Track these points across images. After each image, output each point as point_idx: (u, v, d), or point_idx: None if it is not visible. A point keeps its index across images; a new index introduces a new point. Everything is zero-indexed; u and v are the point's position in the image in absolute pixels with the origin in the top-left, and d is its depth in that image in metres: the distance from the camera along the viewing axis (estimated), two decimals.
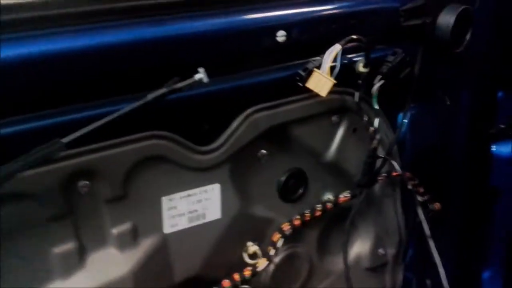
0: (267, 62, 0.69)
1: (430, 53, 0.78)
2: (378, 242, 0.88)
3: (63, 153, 0.54)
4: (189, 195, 0.67)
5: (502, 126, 0.95)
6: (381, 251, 0.89)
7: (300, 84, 0.68)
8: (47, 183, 0.56)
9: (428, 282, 1.02)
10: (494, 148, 0.97)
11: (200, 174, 0.67)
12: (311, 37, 0.69)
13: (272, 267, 0.79)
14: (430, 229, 0.81)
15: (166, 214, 0.66)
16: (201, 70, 0.58)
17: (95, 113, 0.57)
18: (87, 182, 0.59)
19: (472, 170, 0.98)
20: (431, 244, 0.79)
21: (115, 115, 0.55)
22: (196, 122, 0.67)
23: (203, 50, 0.63)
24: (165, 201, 0.66)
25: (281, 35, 0.67)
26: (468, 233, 1.04)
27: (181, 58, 0.61)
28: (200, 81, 0.58)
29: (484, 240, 1.04)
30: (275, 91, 0.69)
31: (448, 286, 0.79)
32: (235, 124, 0.67)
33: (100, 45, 0.56)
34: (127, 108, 0.56)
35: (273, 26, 0.67)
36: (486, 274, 1.06)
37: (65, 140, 0.53)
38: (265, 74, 0.69)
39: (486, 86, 0.93)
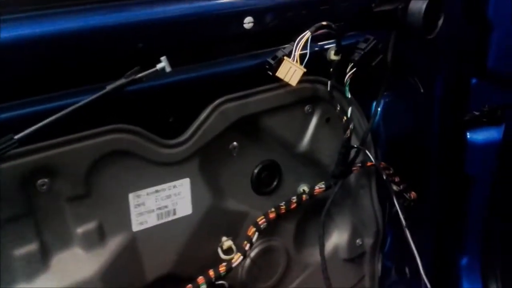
0: (235, 50, 0.67)
1: (402, 40, 0.77)
2: (355, 233, 0.88)
3: (17, 150, 0.51)
4: (157, 191, 0.65)
5: (476, 113, 0.95)
6: (358, 241, 0.89)
7: (270, 73, 0.66)
8: (2, 182, 0.53)
9: (407, 270, 1.02)
10: (468, 135, 0.97)
11: (168, 169, 0.65)
12: (280, 23, 0.68)
13: (248, 261, 0.78)
14: (407, 217, 0.81)
15: (133, 211, 0.64)
16: (163, 59, 0.55)
17: (51, 106, 0.54)
18: (46, 180, 0.57)
19: (446, 158, 0.98)
20: (407, 233, 0.79)
21: (72, 108, 0.52)
22: (161, 114, 0.64)
23: (166, 38, 0.61)
24: (132, 197, 0.63)
25: (248, 22, 0.65)
26: (445, 221, 1.04)
27: (142, 47, 0.59)
28: (162, 70, 0.56)
29: (460, 228, 1.05)
30: (244, 81, 0.67)
31: (424, 275, 0.79)
32: (203, 115, 0.65)
33: (54, 32, 0.53)
34: (85, 100, 0.53)
35: (239, 12, 0.64)
36: (464, 261, 1.07)
37: (17, 136, 0.50)
38: (233, 62, 0.67)
39: (460, 72, 0.92)
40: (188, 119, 0.65)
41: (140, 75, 0.54)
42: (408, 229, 0.79)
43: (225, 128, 0.67)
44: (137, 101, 0.60)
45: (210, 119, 0.65)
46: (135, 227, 0.65)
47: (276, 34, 0.68)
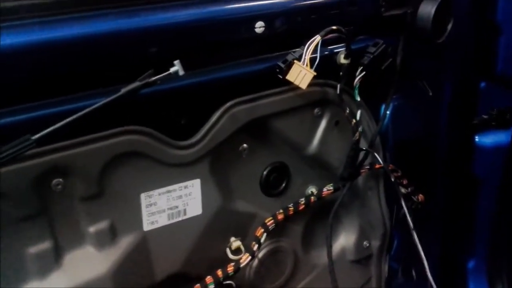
0: (246, 54, 0.68)
1: (411, 44, 0.78)
2: (362, 235, 0.88)
3: (34, 151, 0.52)
4: (168, 191, 0.66)
5: (485, 116, 0.95)
6: (365, 243, 0.89)
7: (280, 77, 0.67)
8: (19, 182, 0.55)
9: (413, 272, 1.02)
10: (476, 138, 0.97)
11: (179, 170, 0.66)
12: (290, 28, 0.68)
13: (256, 262, 0.79)
14: (414, 220, 0.81)
15: (145, 211, 0.65)
16: (176, 62, 0.56)
17: (67, 108, 0.55)
18: (61, 180, 0.58)
19: (455, 161, 0.98)
20: (415, 235, 0.79)
21: (87, 110, 0.53)
22: (174, 116, 0.65)
23: (179, 42, 0.62)
24: (144, 197, 0.64)
25: (259, 26, 0.65)
26: (452, 224, 1.04)
27: (155, 50, 0.60)
28: (175, 74, 0.56)
29: (467, 230, 1.05)
30: (255, 84, 0.68)
31: (431, 277, 0.79)
32: (214, 118, 0.66)
33: (69, 37, 0.54)
34: (100, 102, 0.54)
35: (251, 16, 0.65)
36: (470, 264, 1.07)
37: (35, 137, 0.51)
38: (244, 66, 0.67)
39: (468, 76, 0.92)
40: (199, 121, 0.66)
41: (154, 78, 0.55)
42: (416, 232, 0.80)
43: (236, 130, 0.68)
44: (150, 104, 0.61)
45: (221, 121, 0.66)
46: (146, 226, 0.66)
47: (286, 38, 0.68)
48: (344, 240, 0.88)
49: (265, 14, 0.66)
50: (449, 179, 0.99)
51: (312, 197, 0.78)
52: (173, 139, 0.64)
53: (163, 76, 0.56)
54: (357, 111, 0.74)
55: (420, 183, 0.89)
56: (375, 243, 0.90)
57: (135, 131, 0.60)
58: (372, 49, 0.73)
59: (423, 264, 0.79)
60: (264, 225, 0.74)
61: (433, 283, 0.80)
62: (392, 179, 0.80)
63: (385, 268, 0.95)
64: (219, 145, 0.67)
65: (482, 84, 0.94)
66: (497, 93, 0.94)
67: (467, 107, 0.95)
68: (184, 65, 0.58)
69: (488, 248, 1.05)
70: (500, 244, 1.04)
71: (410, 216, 0.80)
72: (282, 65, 0.66)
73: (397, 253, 0.99)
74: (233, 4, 0.64)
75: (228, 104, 0.66)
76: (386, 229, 0.89)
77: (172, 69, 0.56)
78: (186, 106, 0.65)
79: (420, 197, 0.89)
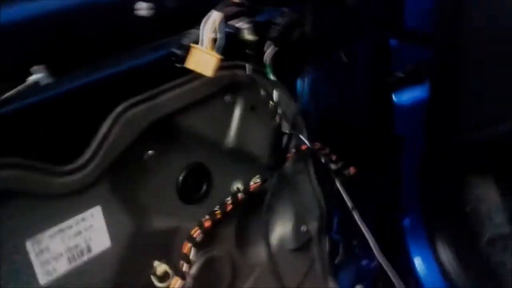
0: (131, 44, 0.57)
1: (320, 10, 0.72)
2: (299, 221, 0.83)
3: None
4: (61, 230, 0.54)
5: (400, 74, 0.94)
6: (303, 228, 0.85)
7: (178, 65, 0.57)
8: None
9: (355, 242, 1.01)
10: (394, 97, 0.96)
11: (70, 200, 0.54)
12: (180, 5, 0.59)
13: (189, 281, 0.70)
14: (350, 194, 0.78)
15: (36, 260, 0.52)
16: (36, 69, 0.43)
17: None
18: None
19: (377, 123, 0.97)
20: (354, 212, 0.76)
21: None
22: (53, 134, 0.52)
23: (40, 41, 0.49)
24: (31, 245, 0.51)
25: (141, 8, 0.54)
26: (384, 185, 1.03)
27: (9, 56, 0.46)
28: (38, 83, 0.44)
29: (399, 189, 1.05)
30: (149, 79, 0.58)
31: (376, 244, 0.77)
32: (104, 128, 0.54)
33: None
34: None
35: None
36: (407, 222, 1.08)
37: None
38: (131, 59, 0.57)
39: (380, 36, 0.90)
40: (88, 135, 0.54)
41: (6, 95, 0.42)
42: (353, 207, 0.77)
43: (135, 138, 0.57)
44: (17, 124, 0.48)
45: (113, 131, 0.55)
46: (43, 279, 0.53)
47: (177, 19, 0.59)
48: (281, 229, 0.83)
49: None
50: (375, 143, 0.97)
51: (239, 194, 0.71)
52: (56, 164, 0.51)
53: (19, 89, 0.42)
54: (273, 92, 0.67)
55: (347, 152, 0.86)
56: (313, 226, 0.86)
57: (0, 165, 0.47)
58: (279, 20, 0.66)
59: (366, 238, 0.77)
60: (191, 238, 0.65)
61: (378, 255, 0.78)
62: (323, 160, 0.76)
63: (326, 247, 0.92)
64: (117, 159, 0.56)
65: (394, 43, 0.92)
66: (409, 50, 0.93)
67: (382, 67, 0.93)
68: (54, 69, 0.45)
69: (421, 204, 1.06)
70: (432, 199, 1.05)
71: (344, 191, 0.77)
72: (178, 52, 0.57)
73: (338, 228, 0.97)
74: None
75: (119, 108, 0.55)
76: (322, 209, 0.86)
77: (31, 78, 0.43)
78: (67, 119, 0.52)
79: (352, 169, 0.87)
